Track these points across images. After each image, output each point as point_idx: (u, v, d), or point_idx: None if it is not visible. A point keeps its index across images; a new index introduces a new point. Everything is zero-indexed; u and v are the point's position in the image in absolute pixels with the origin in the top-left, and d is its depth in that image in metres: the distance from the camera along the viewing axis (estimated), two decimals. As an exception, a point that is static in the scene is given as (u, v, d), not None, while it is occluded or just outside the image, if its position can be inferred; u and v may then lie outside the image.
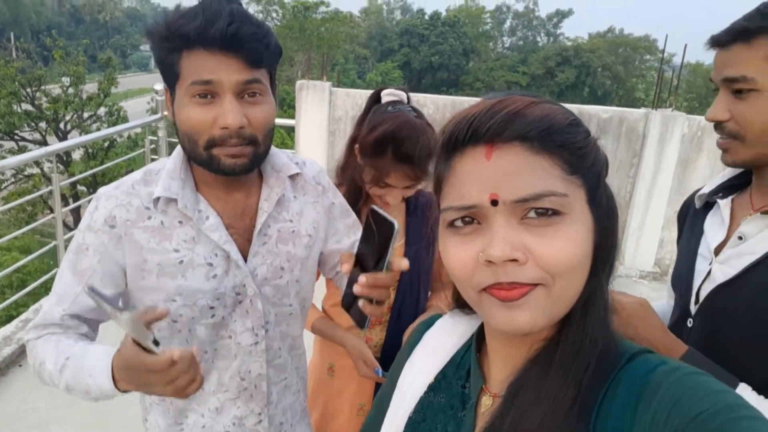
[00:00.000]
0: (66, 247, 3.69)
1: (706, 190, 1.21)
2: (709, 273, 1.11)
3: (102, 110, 18.66)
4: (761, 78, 0.98)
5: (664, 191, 4.97)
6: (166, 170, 1.09)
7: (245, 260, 1.13)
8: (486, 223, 0.57)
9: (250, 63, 0.99)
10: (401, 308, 1.66)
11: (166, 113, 4.51)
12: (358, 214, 1.57)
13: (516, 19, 63.34)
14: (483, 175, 0.56)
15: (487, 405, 0.67)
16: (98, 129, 18.04)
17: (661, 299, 1.38)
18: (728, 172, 1.20)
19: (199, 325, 1.12)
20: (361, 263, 0.91)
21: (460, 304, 0.77)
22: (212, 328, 1.13)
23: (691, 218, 1.25)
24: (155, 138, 5.09)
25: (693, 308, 1.13)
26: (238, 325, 1.15)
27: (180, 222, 1.08)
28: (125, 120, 18.30)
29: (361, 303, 0.88)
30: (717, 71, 1.05)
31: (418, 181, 1.50)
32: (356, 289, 0.80)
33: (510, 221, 0.56)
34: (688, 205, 1.29)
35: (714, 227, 1.15)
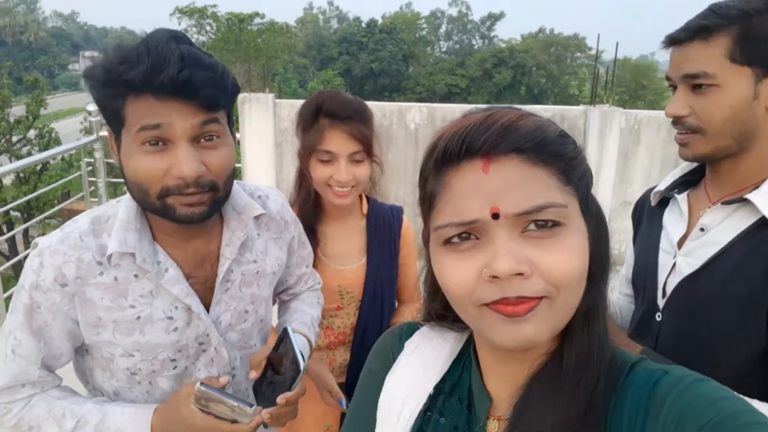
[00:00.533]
0: None
1: (661, 186, 1.24)
2: (673, 266, 1.13)
3: (32, 132, 17.91)
4: (720, 73, 1.01)
5: (608, 184, 5.14)
6: (119, 221, 0.99)
7: (207, 310, 1.06)
8: (486, 238, 0.55)
9: (206, 109, 0.90)
10: (365, 327, 1.63)
11: (103, 134, 4.33)
12: (314, 230, 1.54)
13: (451, 24, 64.68)
14: (482, 189, 0.55)
15: (494, 429, 0.65)
16: (29, 152, 17.32)
17: (613, 290, 1.41)
18: (679, 170, 1.24)
19: (160, 377, 1.06)
20: (272, 365, 1.10)
21: (434, 318, 0.74)
22: (175, 378, 1.07)
23: (647, 215, 1.27)
24: (92, 160, 4.86)
25: (660, 302, 1.15)
26: (203, 374, 1.09)
27: (136, 276, 1.00)
28: (57, 142, 17.64)
29: (281, 400, 1.04)
30: (675, 68, 1.07)
31: (360, 147, 1.45)
32: (279, 399, 1.03)
33: (512, 234, 0.54)
34: (642, 203, 1.32)
35: (673, 221, 1.18)
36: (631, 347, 1.04)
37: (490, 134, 0.55)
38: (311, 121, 1.47)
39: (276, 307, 1.71)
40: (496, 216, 0.54)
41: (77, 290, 0.97)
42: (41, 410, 1.00)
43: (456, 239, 0.57)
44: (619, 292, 1.41)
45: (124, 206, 1.01)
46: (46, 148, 16.64)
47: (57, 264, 0.96)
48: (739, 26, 0.99)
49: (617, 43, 5.40)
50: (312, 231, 1.53)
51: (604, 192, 5.17)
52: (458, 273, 0.57)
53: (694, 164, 1.20)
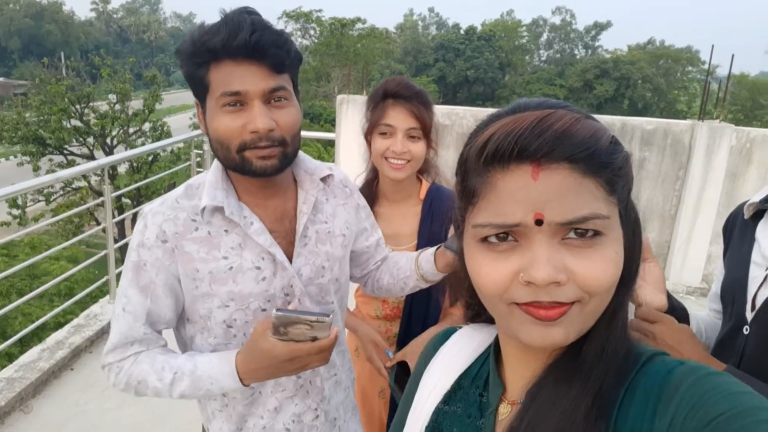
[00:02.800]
0: (114, 257, 3.82)
1: (756, 198, 1.21)
2: (765, 279, 1.10)
3: (147, 125, 19.24)
4: None
5: (712, 205, 4.82)
6: (209, 182, 1.13)
7: (290, 262, 1.17)
8: (525, 242, 0.55)
9: (274, 69, 1.05)
10: (412, 303, 1.74)
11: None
12: (371, 210, 1.64)
13: (553, 32, 62.85)
14: (528, 195, 0.54)
15: (505, 413, 0.66)
16: (143, 144, 18.55)
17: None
18: None
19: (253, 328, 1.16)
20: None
21: (475, 318, 0.77)
22: None
23: (740, 228, 1.24)
24: (200, 152, 5.24)
25: (749, 315, 1.12)
26: None
27: (226, 230, 1.12)
28: (169, 135, 18.77)
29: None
30: None
31: (417, 123, 1.59)
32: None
33: (551, 241, 0.54)
34: (734, 216, 1.29)
35: (767, 234, 1.15)
36: (713, 365, 1.02)
37: (543, 140, 0.53)
38: (378, 101, 1.64)
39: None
40: (539, 222, 0.54)
41: (176, 244, 1.11)
42: (146, 365, 1.13)
43: (493, 239, 0.57)
44: (708, 309, 1.36)
45: (212, 171, 1.16)
46: (158, 140, 17.77)
47: (158, 223, 1.11)
48: None
49: (732, 56, 5.05)
50: None
51: (707, 213, 4.86)
52: (493, 273, 0.56)
53: None
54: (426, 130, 1.61)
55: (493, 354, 0.71)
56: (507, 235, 0.56)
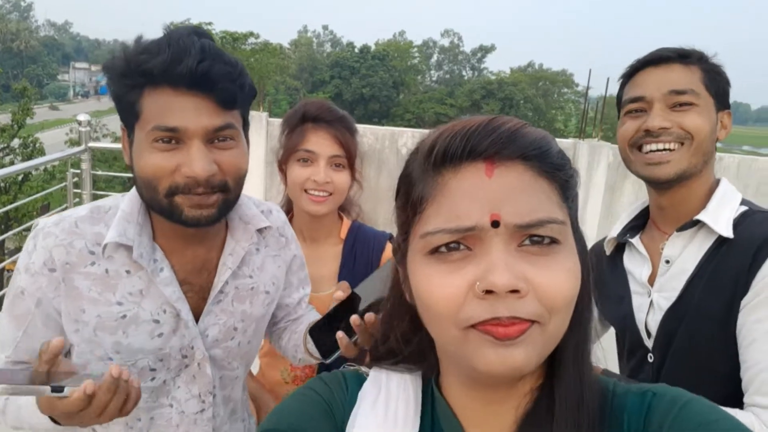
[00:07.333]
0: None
1: (613, 234, 1.28)
2: (650, 304, 1.15)
3: (16, 141, 17.69)
4: (701, 94, 1.10)
5: (594, 216, 5.20)
6: (121, 212, 0.97)
7: (196, 320, 1.03)
8: (480, 249, 0.51)
9: (222, 105, 0.90)
10: (334, 362, 1.55)
11: (92, 144, 4.29)
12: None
13: (442, 54, 65.71)
14: (483, 194, 0.50)
15: None
16: (11, 162, 17.06)
17: None
18: (625, 216, 1.31)
19: None
20: (351, 301, 0.97)
21: (384, 356, 0.66)
22: (151, 393, 1.02)
23: (607, 265, 1.30)
24: (77, 171, 4.80)
25: (648, 342, 1.16)
26: (182, 392, 1.05)
27: (128, 271, 0.97)
28: (41, 152, 17.44)
29: (340, 334, 0.94)
30: (655, 86, 1.12)
31: (342, 151, 1.42)
32: (353, 319, 0.88)
33: (508, 248, 0.50)
34: (595, 254, 1.33)
35: (636, 263, 1.22)
36: None
37: (496, 137, 0.51)
38: (295, 125, 1.46)
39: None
40: (496, 224, 0.50)
41: (65, 276, 0.94)
42: None
43: (444, 249, 0.52)
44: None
45: (128, 199, 0.99)
46: (29, 158, 16.43)
47: (48, 247, 0.94)
48: (704, 62, 1.11)
49: (608, 79, 5.50)
50: None
51: (590, 223, 5.22)
52: (446, 286, 0.51)
53: (638, 210, 1.28)
54: (351, 159, 1.45)
55: (449, 411, 0.59)
56: (459, 245, 0.51)
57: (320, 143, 1.42)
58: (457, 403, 0.59)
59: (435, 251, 0.52)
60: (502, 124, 0.53)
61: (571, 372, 0.55)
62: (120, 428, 1.03)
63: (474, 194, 0.51)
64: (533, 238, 0.51)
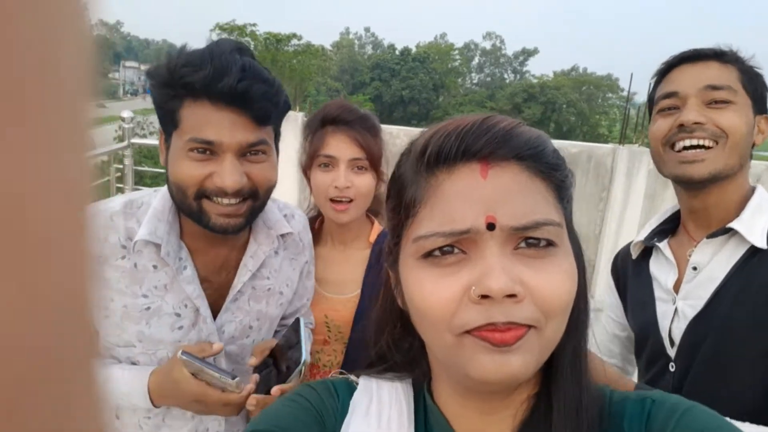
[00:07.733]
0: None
1: (640, 237, 1.23)
2: (675, 312, 1.11)
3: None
4: (739, 92, 1.06)
5: (633, 225, 5.06)
6: (153, 210, 1.00)
7: (214, 317, 1.07)
8: (475, 253, 0.49)
9: (258, 121, 0.94)
10: (352, 368, 1.52)
11: (133, 140, 4.43)
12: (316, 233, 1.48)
13: (484, 57, 65.21)
14: (478, 195, 0.49)
15: None
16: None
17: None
18: (654, 220, 1.25)
19: None
20: (274, 355, 1.07)
21: (375, 361, 0.65)
22: None
23: (633, 269, 1.25)
24: (120, 166, 4.96)
25: (671, 351, 1.12)
26: None
27: (154, 266, 1.01)
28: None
29: (259, 399, 0.99)
30: (692, 82, 1.08)
31: (362, 153, 1.38)
32: (274, 390, 0.96)
33: (504, 251, 0.49)
34: (622, 259, 1.30)
35: (662, 269, 1.17)
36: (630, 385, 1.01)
37: (491, 137, 0.50)
38: (315, 129, 1.43)
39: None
40: (491, 226, 0.48)
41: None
42: None
43: (438, 253, 0.50)
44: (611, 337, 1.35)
45: (160, 197, 1.03)
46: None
47: None
48: (741, 62, 1.07)
49: (650, 85, 5.36)
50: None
51: (628, 233, 5.08)
52: (440, 291, 0.49)
53: (669, 213, 1.23)
54: (373, 160, 1.39)
55: (444, 422, 0.58)
56: (453, 249, 0.50)
57: (339, 147, 1.38)
58: (451, 412, 0.58)
59: (428, 255, 0.51)
60: (496, 123, 0.52)
61: (569, 377, 0.53)
62: (139, 416, 1.08)
63: (468, 196, 0.49)
64: (529, 240, 0.49)
